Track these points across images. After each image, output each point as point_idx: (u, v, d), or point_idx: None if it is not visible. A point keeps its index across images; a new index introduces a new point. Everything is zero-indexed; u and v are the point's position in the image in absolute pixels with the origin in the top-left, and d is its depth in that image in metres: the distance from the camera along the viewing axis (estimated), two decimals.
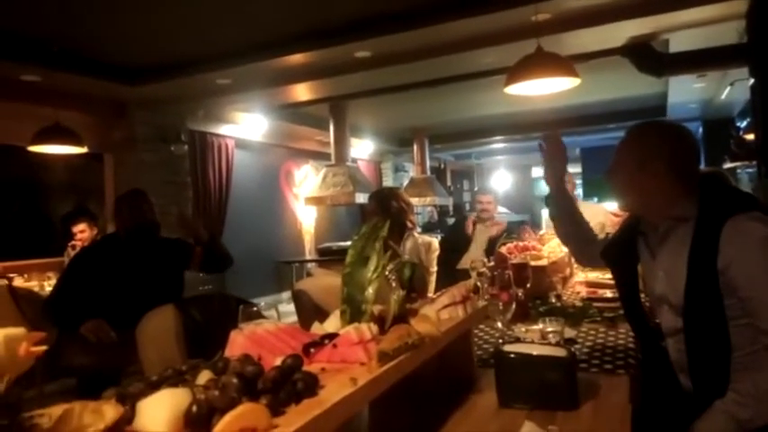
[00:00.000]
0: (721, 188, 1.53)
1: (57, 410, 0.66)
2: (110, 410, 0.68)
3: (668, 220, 1.51)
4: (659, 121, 1.78)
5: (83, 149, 4.53)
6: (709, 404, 1.34)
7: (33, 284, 4.73)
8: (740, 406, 1.29)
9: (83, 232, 5.12)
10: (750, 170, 6.69)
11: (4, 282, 4.23)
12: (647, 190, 1.50)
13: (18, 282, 4.64)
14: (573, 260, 3.29)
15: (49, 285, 4.53)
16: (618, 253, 1.73)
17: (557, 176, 1.86)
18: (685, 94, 6.97)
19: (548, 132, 1.91)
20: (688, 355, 1.43)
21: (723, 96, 6.88)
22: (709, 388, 1.36)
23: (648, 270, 1.61)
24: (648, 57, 4.81)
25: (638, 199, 1.56)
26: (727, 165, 6.42)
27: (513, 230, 4.09)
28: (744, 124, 7.25)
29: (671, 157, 1.47)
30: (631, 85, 6.70)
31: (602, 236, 3.83)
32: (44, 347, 0.73)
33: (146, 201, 2.98)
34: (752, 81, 4.17)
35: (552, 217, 1.95)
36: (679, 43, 4.82)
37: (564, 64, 3.24)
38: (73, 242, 5.12)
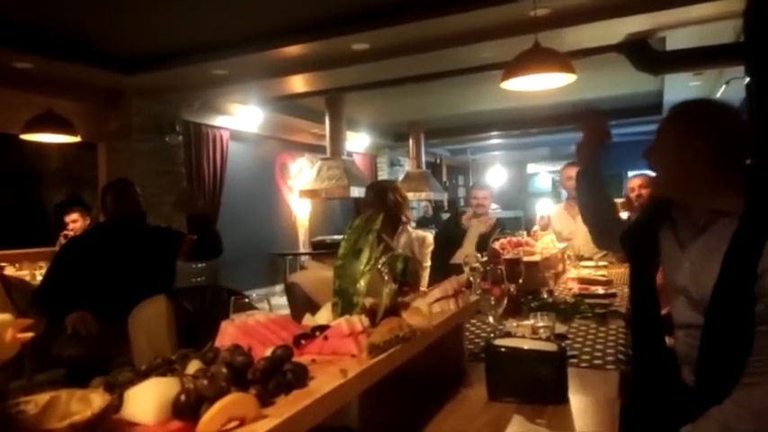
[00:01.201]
0: None
1: (43, 398, 0.66)
2: (97, 399, 0.67)
3: (708, 212, 1.38)
4: (708, 99, 1.61)
5: (76, 138, 4.51)
6: (711, 402, 1.28)
7: (25, 273, 4.71)
8: (738, 419, 1.22)
9: (75, 222, 5.10)
10: None
11: None
12: (687, 174, 1.38)
13: (9, 271, 4.62)
14: (565, 257, 3.31)
15: (40, 275, 4.51)
16: (638, 239, 1.62)
17: (593, 156, 1.77)
18: (681, 91, 6.99)
19: (591, 112, 1.80)
20: (700, 352, 1.37)
21: (719, 95, 6.91)
22: (715, 387, 1.30)
23: (672, 260, 1.50)
24: (645, 54, 4.82)
25: (677, 183, 1.43)
26: None
27: (505, 226, 4.09)
28: None
29: (715, 140, 1.34)
30: (628, 82, 6.72)
31: None
32: (31, 334, 0.73)
33: (131, 190, 2.95)
34: (747, 80, 4.19)
35: (578, 194, 1.87)
36: (676, 41, 4.83)
37: (561, 60, 3.24)
38: (65, 231, 5.10)
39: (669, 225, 1.53)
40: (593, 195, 1.82)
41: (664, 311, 1.62)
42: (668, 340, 1.62)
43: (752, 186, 1.34)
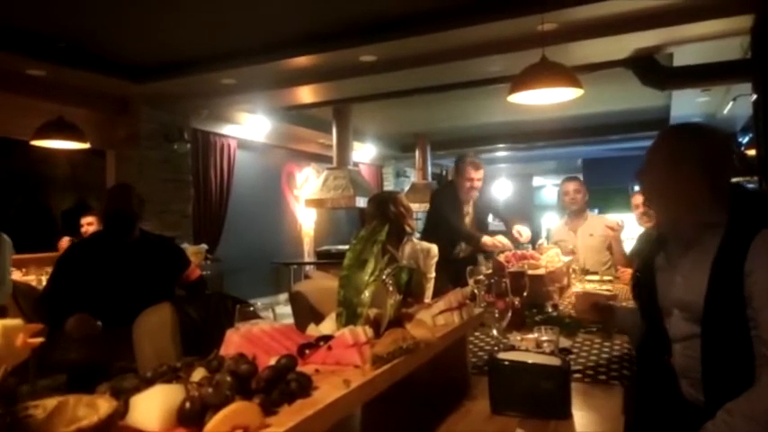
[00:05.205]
0: (756, 196, 1.49)
1: (51, 402, 0.67)
2: (103, 404, 0.68)
3: (697, 226, 1.47)
4: (695, 122, 1.75)
5: (85, 145, 4.54)
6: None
7: (31, 279, 4.73)
8: (730, 427, 1.22)
9: (90, 225, 5.11)
10: (751, 185, 6.70)
11: None
12: (678, 192, 1.47)
13: (16, 276, 4.64)
14: (570, 271, 3.30)
15: (46, 280, 4.52)
16: (639, 271, 1.73)
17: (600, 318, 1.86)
18: (688, 107, 6.99)
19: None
20: (702, 362, 1.39)
21: (726, 111, 6.90)
22: (723, 396, 1.30)
23: (664, 279, 1.57)
24: (652, 70, 4.83)
25: (668, 201, 1.52)
26: None
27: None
28: (746, 140, 7.26)
29: (704, 160, 1.43)
30: (635, 97, 6.72)
31: (605, 245, 3.83)
32: (40, 339, 0.74)
33: (129, 192, 2.94)
34: (755, 97, 4.18)
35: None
36: (683, 57, 4.84)
37: (568, 74, 3.25)
38: (82, 231, 5.11)
39: (660, 247, 1.62)
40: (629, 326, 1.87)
41: None
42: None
43: (735, 199, 1.43)
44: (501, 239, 3.38)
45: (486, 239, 3.49)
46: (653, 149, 1.55)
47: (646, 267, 1.68)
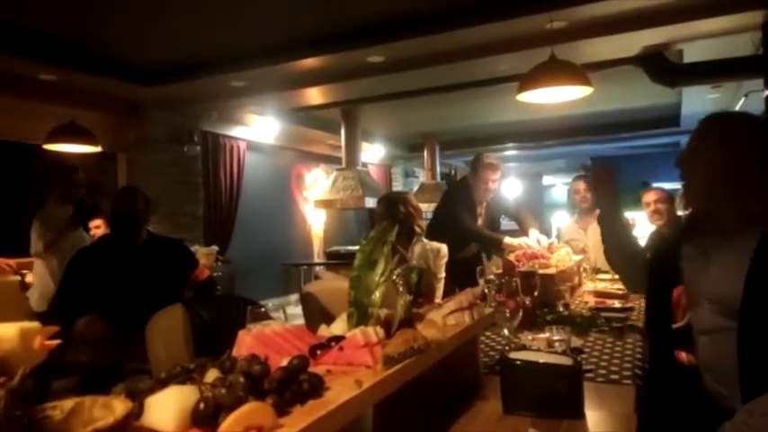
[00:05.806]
0: None
1: (68, 403, 0.68)
2: (119, 406, 0.69)
3: (740, 216, 1.42)
4: (743, 111, 1.70)
5: (97, 148, 4.58)
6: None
7: None
8: (749, 428, 1.17)
9: (98, 228, 5.14)
10: None
11: (17, 278, 4.28)
12: (725, 180, 1.42)
13: (30, 278, 4.68)
14: (581, 270, 3.28)
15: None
16: (661, 259, 1.66)
17: (604, 201, 1.86)
18: (699, 104, 6.93)
19: (599, 162, 1.91)
20: (739, 357, 1.35)
21: (737, 108, 6.83)
22: (761, 391, 1.24)
23: (695, 268, 1.51)
24: (662, 67, 4.80)
25: (712, 189, 1.46)
26: None
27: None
28: None
29: (757, 148, 1.40)
30: (644, 94, 6.68)
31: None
32: (57, 341, 0.75)
33: (134, 195, 2.94)
34: (766, 93, 4.14)
35: (603, 240, 1.92)
36: (693, 54, 4.81)
37: (577, 72, 3.24)
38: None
39: (691, 237, 1.56)
40: (613, 238, 1.85)
41: (678, 325, 1.60)
42: (686, 356, 1.61)
43: None
44: (526, 241, 3.37)
45: (507, 241, 3.47)
46: (699, 136, 1.50)
47: (666, 259, 1.62)
